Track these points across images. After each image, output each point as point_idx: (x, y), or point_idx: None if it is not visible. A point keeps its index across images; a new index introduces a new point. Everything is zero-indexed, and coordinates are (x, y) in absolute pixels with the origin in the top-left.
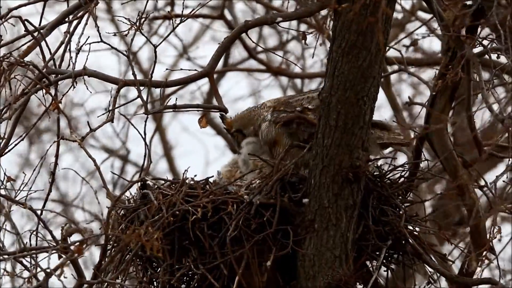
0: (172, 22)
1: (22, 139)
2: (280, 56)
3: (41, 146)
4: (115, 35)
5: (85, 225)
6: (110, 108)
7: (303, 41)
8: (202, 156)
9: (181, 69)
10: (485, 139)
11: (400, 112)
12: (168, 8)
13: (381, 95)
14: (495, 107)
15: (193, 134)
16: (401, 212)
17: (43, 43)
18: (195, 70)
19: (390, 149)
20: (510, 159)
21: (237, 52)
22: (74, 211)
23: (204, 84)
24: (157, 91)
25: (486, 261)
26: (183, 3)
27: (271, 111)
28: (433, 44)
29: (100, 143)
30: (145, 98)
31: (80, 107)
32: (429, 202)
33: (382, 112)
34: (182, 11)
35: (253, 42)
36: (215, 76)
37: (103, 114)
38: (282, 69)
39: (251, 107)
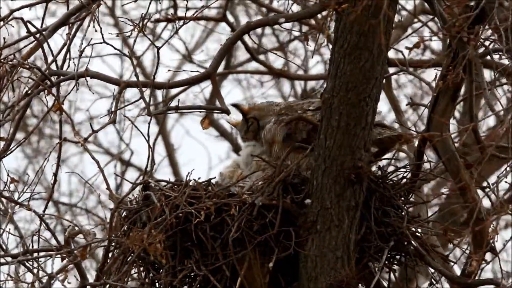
0: (175, 25)
1: (25, 140)
2: (282, 57)
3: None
4: (117, 36)
5: (89, 228)
6: (113, 109)
7: (305, 42)
8: (205, 159)
9: (183, 70)
10: (489, 140)
11: (402, 114)
12: (171, 11)
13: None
14: (497, 107)
15: (196, 137)
16: (403, 213)
17: (45, 45)
18: (197, 71)
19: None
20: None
21: (240, 54)
22: (74, 214)
23: (207, 86)
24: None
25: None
26: (186, 5)
27: (275, 116)
28: (437, 44)
29: (101, 146)
30: (147, 100)
31: (81, 111)
32: (435, 202)
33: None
34: (185, 13)
35: (254, 43)
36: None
37: (105, 115)
38: (284, 71)
39: (270, 101)
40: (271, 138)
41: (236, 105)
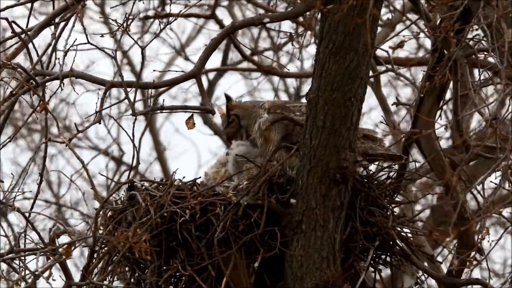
0: (161, 23)
1: (10, 140)
2: (267, 57)
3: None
4: (102, 36)
5: (74, 227)
6: (97, 109)
7: (291, 42)
8: (195, 157)
9: (169, 70)
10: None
11: (390, 113)
12: (162, 8)
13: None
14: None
15: (186, 135)
16: (388, 213)
17: (30, 45)
18: (183, 71)
19: None
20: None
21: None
22: (66, 212)
23: (192, 84)
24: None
25: (475, 262)
26: (170, 2)
27: (267, 112)
28: (426, 42)
29: (94, 144)
30: (132, 99)
31: (71, 106)
32: (425, 202)
33: (372, 113)
34: (170, 10)
35: (240, 43)
36: (212, 75)
37: (91, 115)
38: (273, 69)
39: (255, 102)
40: (265, 131)
41: (227, 97)
